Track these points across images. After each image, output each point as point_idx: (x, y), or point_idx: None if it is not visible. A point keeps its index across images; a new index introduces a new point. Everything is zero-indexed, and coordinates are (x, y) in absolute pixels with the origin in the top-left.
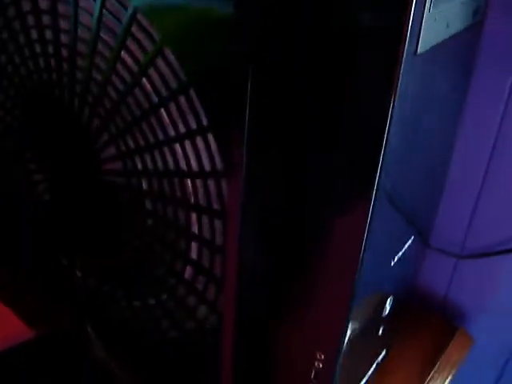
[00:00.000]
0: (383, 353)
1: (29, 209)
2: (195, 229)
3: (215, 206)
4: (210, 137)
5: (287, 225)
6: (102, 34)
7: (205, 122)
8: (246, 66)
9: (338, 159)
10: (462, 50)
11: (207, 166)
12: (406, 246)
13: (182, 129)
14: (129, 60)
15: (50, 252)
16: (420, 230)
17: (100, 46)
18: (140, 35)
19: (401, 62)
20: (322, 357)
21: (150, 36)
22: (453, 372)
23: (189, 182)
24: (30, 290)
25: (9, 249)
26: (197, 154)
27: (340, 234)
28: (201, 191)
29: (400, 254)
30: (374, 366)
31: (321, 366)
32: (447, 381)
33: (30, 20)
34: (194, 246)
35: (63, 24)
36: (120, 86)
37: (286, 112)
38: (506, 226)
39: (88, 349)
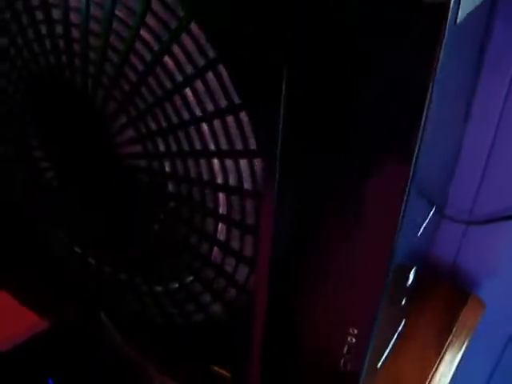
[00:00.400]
0: (403, 322)
1: (36, 198)
2: (224, 210)
3: (247, 185)
4: (243, 115)
5: (322, 199)
6: (117, 12)
7: (236, 99)
8: (283, 38)
9: (379, 130)
10: (481, 18)
11: (239, 146)
12: (430, 215)
13: (210, 108)
14: (149, 37)
15: (61, 242)
16: (438, 200)
17: (115, 25)
18: (161, 10)
19: (444, 33)
20: (356, 331)
21: (172, 11)
22: (469, 337)
23: (217, 162)
24: (40, 281)
25: (16, 240)
26: (227, 133)
27: (377, 207)
28: (231, 171)
29: (425, 224)
30: (396, 335)
31: (354, 340)
32: (464, 345)
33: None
34: (221, 227)
35: (73, 2)
36: (139, 66)
37: (325, 86)
38: None
39: (103, 336)
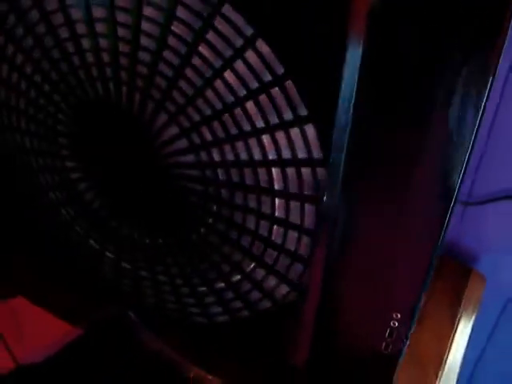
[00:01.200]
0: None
1: (69, 207)
2: (280, 213)
3: (307, 192)
4: (309, 126)
5: (378, 201)
6: (173, 27)
7: (303, 112)
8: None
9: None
10: None
11: (301, 154)
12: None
13: (273, 120)
14: (207, 52)
15: (92, 249)
16: None
17: (170, 40)
18: (224, 27)
19: None
20: (399, 316)
21: (234, 25)
22: (476, 309)
23: (276, 170)
24: (70, 287)
25: (42, 247)
26: (290, 143)
27: (425, 202)
28: (292, 179)
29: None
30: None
31: (396, 324)
32: (473, 316)
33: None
34: (277, 229)
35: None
36: (196, 80)
37: (392, 104)
38: (509, 174)
39: (133, 335)
